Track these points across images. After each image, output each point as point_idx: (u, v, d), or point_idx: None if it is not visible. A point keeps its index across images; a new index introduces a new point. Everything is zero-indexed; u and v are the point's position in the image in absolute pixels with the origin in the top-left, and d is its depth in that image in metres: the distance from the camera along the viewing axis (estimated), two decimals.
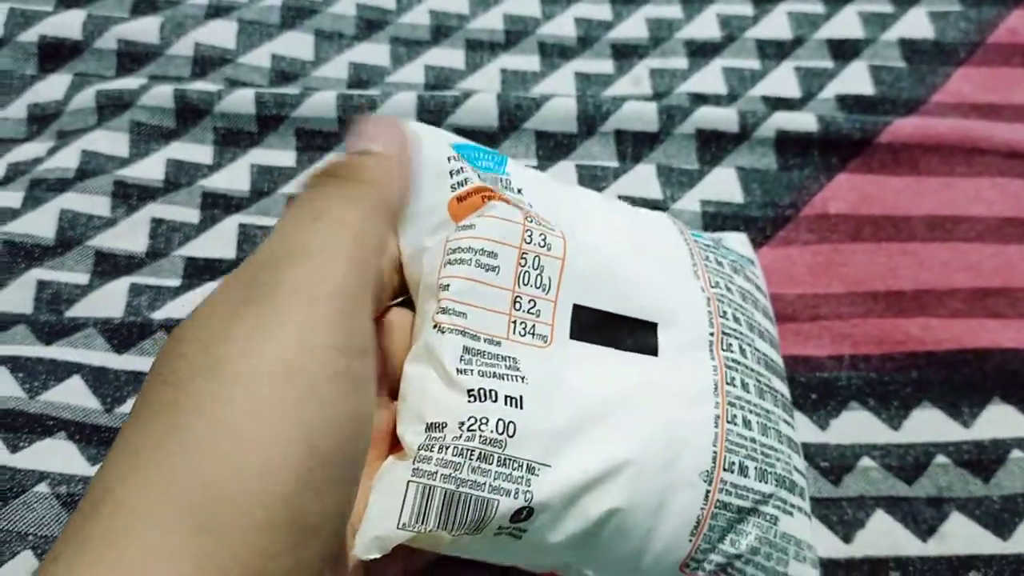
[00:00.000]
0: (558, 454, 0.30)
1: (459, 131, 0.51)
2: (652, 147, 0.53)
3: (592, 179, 0.52)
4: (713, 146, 0.53)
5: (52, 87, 0.55)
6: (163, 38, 0.56)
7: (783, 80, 0.57)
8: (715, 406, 0.34)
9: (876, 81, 0.57)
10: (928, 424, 0.45)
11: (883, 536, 0.42)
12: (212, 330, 0.25)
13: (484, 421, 0.29)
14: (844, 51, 0.58)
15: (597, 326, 0.33)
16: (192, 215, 0.50)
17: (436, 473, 0.29)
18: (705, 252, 0.39)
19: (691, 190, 0.52)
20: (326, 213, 0.29)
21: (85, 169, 0.50)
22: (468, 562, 0.31)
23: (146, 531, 0.22)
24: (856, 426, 0.45)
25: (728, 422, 0.34)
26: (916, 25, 0.60)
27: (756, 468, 0.34)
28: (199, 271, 0.48)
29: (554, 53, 0.58)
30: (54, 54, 0.56)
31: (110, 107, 0.53)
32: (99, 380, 0.43)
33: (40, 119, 0.54)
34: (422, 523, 0.28)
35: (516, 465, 0.29)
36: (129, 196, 0.50)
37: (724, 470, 0.33)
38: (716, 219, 0.51)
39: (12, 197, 0.49)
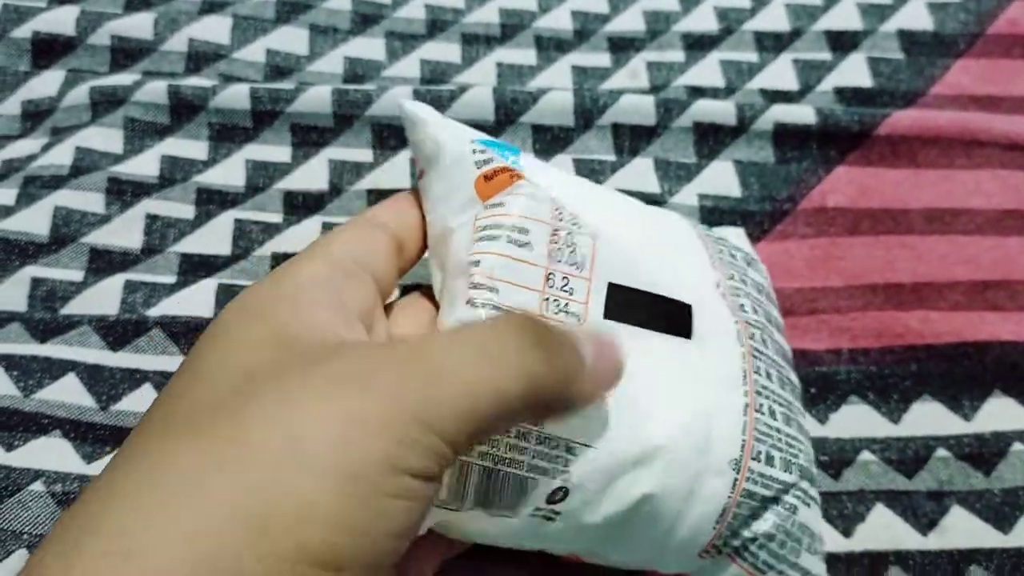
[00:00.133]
0: (595, 434, 0.30)
1: None
2: (649, 140, 0.53)
3: (589, 173, 0.51)
4: (711, 139, 0.53)
5: (46, 83, 0.55)
6: (157, 34, 0.56)
7: (781, 73, 0.57)
8: (744, 394, 0.34)
9: (875, 73, 0.57)
10: (928, 417, 0.45)
11: (883, 530, 0.42)
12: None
13: None
14: (842, 43, 0.58)
15: (632, 305, 0.33)
16: (187, 211, 0.50)
17: (474, 450, 0.28)
18: (718, 245, 0.39)
19: (689, 184, 0.51)
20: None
21: (79, 166, 0.50)
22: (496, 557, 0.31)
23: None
24: (856, 420, 0.45)
25: (756, 411, 0.34)
26: (915, 16, 0.59)
27: (781, 458, 0.34)
28: (194, 267, 0.48)
29: (550, 46, 0.58)
30: (47, 50, 0.56)
31: (104, 103, 0.52)
32: (94, 378, 0.43)
33: (34, 116, 0.54)
34: (460, 500, 0.28)
35: (554, 444, 0.29)
36: (123, 192, 0.50)
37: (752, 459, 0.33)
38: (714, 213, 0.51)
39: (6, 194, 0.49)
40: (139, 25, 0.56)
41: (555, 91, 0.53)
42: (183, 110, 0.52)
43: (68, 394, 0.42)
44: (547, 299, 0.31)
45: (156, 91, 0.52)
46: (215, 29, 0.56)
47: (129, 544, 0.21)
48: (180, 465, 0.22)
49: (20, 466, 0.40)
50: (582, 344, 0.28)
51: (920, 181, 0.52)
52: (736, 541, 0.33)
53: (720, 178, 0.52)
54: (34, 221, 0.48)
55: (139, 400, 0.43)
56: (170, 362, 0.44)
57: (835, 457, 0.44)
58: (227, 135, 0.52)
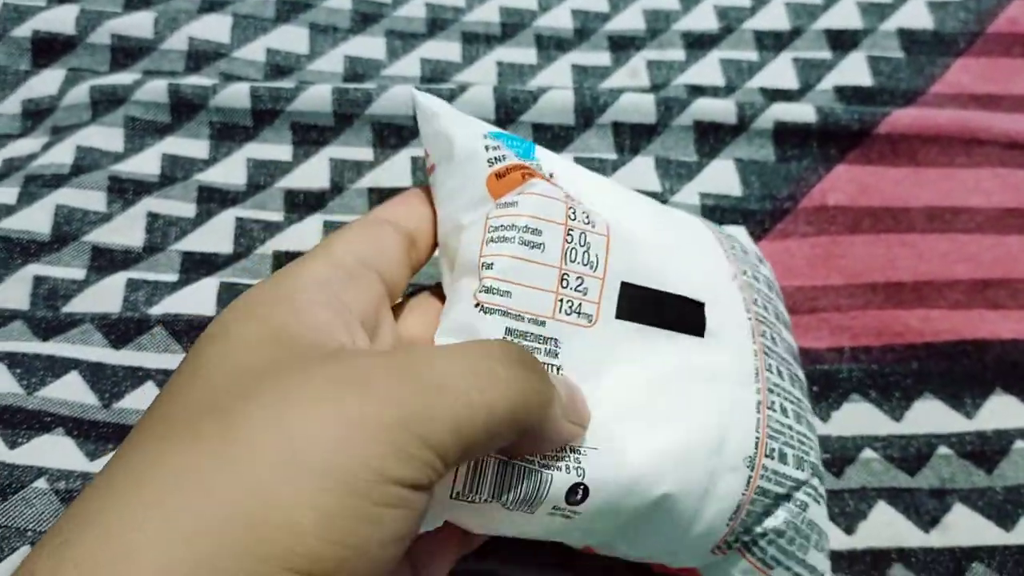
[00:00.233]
0: (604, 438, 0.30)
1: None
2: (650, 139, 0.53)
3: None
4: (711, 138, 0.53)
5: (46, 82, 0.55)
6: (157, 33, 0.56)
7: (781, 71, 0.57)
8: (757, 391, 0.34)
9: (875, 72, 0.57)
10: (930, 415, 0.45)
11: (885, 527, 0.42)
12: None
13: None
14: (842, 42, 0.58)
15: (645, 304, 0.32)
16: (188, 209, 0.50)
17: None
18: (731, 241, 0.39)
19: (689, 183, 0.52)
20: None
21: (80, 164, 0.50)
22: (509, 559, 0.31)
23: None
24: (857, 418, 0.45)
25: (768, 408, 0.34)
26: (915, 15, 0.59)
27: (794, 455, 0.34)
28: (196, 265, 0.48)
29: (551, 45, 0.58)
30: (47, 49, 0.56)
31: (104, 102, 0.52)
32: (96, 376, 0.43)
33: (34, 115, 0.54)
34: (476, 492, 0.28)
35: (558, 448, 0.29)
36: (125, 191, 0.50)
37: (766, 456, 0.33)
38: (715, 212, 0.51)
39: (7, 193, 0.49)
40: (139, 24, 0.56)
41: (555, 90, 0.53)
42: (183, 109, 0.52)
43: (71, 392, 0.42)
44: (561, 300, 0.31)
45: (156, 90, 0.52)
46: (215, 28, 0.56)
47: (120, 545, 0.20)
48: (176, 465, 0.22)
49: (23, 463, 0.40)
50: (556, 380, 0.29)
51: (920, 180, 0.52)
52: (747, 536, 0.33)
53: (721, 177, 0.52)
54: (36, 220, 0.48)
55: (141, 398, 0.43)
56: (172, 360, 0.44)
57: (837, 455, 0.44)
58: (228, 134, 0.52)
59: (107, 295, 0.46)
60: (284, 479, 0.22)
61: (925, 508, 0.42)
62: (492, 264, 0.30)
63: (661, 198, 0.51)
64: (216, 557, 0.20)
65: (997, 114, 0.54)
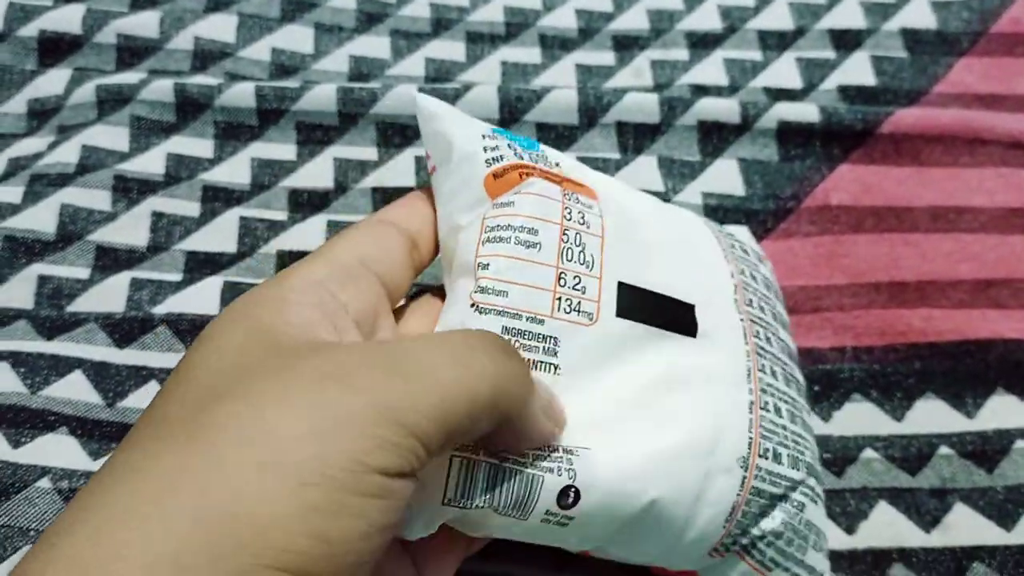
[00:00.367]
0: (597, 439, 0.30)
1: None
2: (653, 139, 0.53)
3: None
4: (714, 137, 0.53)
5: (52, 82, 0.55)
6: (163, 32, 0.56)
7: (784, 71, 0.57)
8: (749, 392, 0.34)
9: (878, 71, 0.57)
10: (931, 415, 0.45)
11: (886, 527, 0.42)
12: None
13: None
14: (846, 41, 0.58)
15: (641, 305, 0.33)
16: (193, 208, 0.50)
17: (479, 449, 0.28)
18: (730, 240, 0.39)
19: (692, 182, 0.52)
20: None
21: (85, 164, 0.50)
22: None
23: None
24: (859, 417, 0.45)
25: (761, 408, 0.34)
26: (918, 15, 0.59)
27: (788, 455, 0.34)
28: (200, 265, 0.48)
29: (555, 45, 0.58)
30: (54, 49, 0.56)
31: (110, 102, 0.53)
32: (100, 375, 0.43)
33: (40, 114, 0.54)
34: (468, 498, 0.28)
35: (551, 449, 0.29)
36: (129, 190, 0.50)
37: (759, 456, 0.33)
38: (718, 211, 0.51)
39: (12, 192, 0.49)
40: (145, 24, 0.56)
41: (559, 89, 0.53)
42: (189, 108, 0.53)
43: (75, 391, 0.42)
44: (559, 298, 0.31)
45: (162, 89, 0.52)
46: (221, 28, 0.57)
47: (109, 544, 0.21)
48: (165, 466, 0.22)
49: (27, 463, 0.40)
50: (535, 377, 0.29)
51: (924, 179, 0.52)
52: (745, 539, 0.33)
53: (724, 176, 0.52)
54: (41, 219, 0.48)
55: (145, 397, 0.43)
56: (175, 359, 0.44)
57: (839, 455, 0.44)
58: (233, 133, 0.52)
59: (111, 294, 0.46)
60: (265, 476, 0.22)
61: (926, 508, 0.42)
62: (488, 264, 0.30)
63: (664, 197, 0.51)
64: (201, 555, 0.20)
65: (1000, 114, 0.54)
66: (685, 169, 0.52)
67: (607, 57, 0.58)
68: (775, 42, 0.58)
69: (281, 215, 0.50)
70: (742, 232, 0.45)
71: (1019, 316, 0.48)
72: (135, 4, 0.58)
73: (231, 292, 0.46)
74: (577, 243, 0.32)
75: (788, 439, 0.34)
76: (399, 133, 0.52)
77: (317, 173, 0.51)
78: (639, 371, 0.32)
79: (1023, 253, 0.50)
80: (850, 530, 0.42)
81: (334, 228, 0.49)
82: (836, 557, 0.41)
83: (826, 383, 0.46)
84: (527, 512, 0.28)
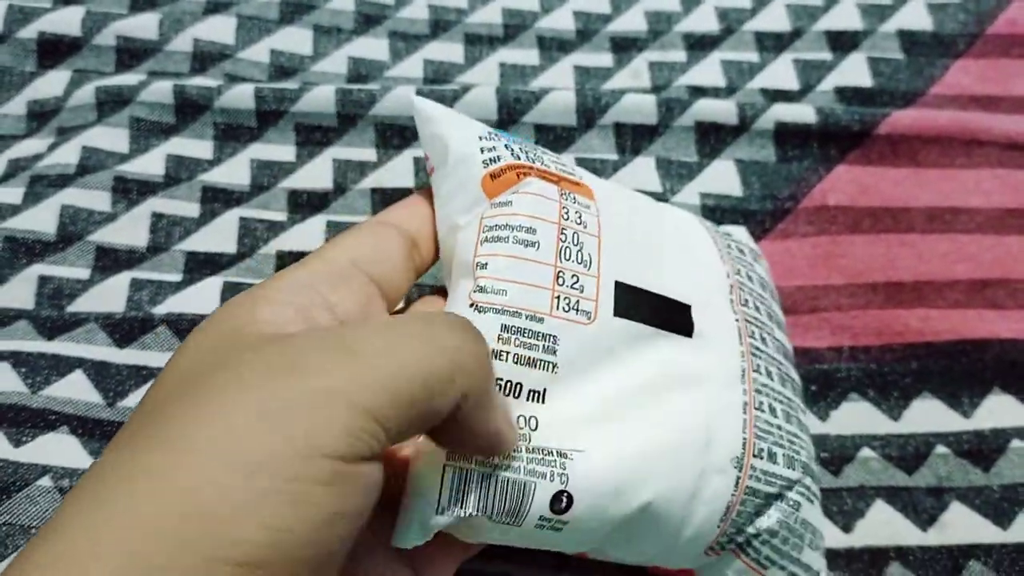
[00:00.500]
0: (591, 439, 0.30)
1: None
2: (651, 140, 0.53)
3: (592, 172, 0.51)
4: (712, 138, 0.53)
5: (51, 84, 0.55)
6: (162, 34, 0.56)
7: (782, 72, 0.57)
8: (743, 392, 0.34)
9: (875, 73, 0.57)
10: (928, 414, 0.45)
11: (883, 526, 0.42)
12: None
13: None
14: (843, 43, 0.58)
15: (636, 304, 0.33)
16: (192, 209, 0.50)
17: (471, 457, 0.28)
18: (726, 240, 0.40)
19: (690, 183, 0.52)
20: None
21: (85, 165, 0.50)
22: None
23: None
24: (856, 417, 0.45)
25: (756, 408, 0.34)
26: (915, 16, 0.60)
27: (784, 454, 0.34)
28: (199, 265, 0.48)
29: (553, 46, 0.58)
30: (53, 51, 0.56)
31: (110, 103, 0.53)
32: (101, 375, 0.43)
33: (40, 115, 0.54)
34: (461, 507, 0.28)
35: (546, 451, 0.29)
36: (129, 191, 0.50)
37: (754, 456, 0.33)
38: (715, 212, 0.51)
39: (13, 193, 0.49)
40: (144, 25, 0.56)
41: (557, 91, 0.53)
42: (188, 110, 0.53)
43: (75, 390, 0.43)
44: (558, 297, 0.31)
45: (161, 91, 0.53)
46: (220, 29, 0.57)
47: (84, 545, 0.21)
48: (133, 468, 0.22)
49: (28, 461, 0.40)
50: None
51: (920, 180, 0.52)
52: (740, 537, 0.33)
53: (722, 177, 0.52)
54: (41, 220, 0.48)
55: None
56: None
57: (836, 454, 0.44)
58: (232, 134, 0.53)
59: (111, 294, 0.47)
60: (218, 469, 0.21)
61: (923, 507, 0.43)
62: (487, 264, 0.30)
63: (662, 198, 0.51)
64: (159, 555, 0.20)
65: (997, 115, 0.54)
66: (683, 170, 0.52)
67: (605, 59, 0.58)
68: (772, 43, 0.58)
69: (280, 216, 0.50)
70: (739, 231, 0.45)
71: (1015, 316, 0.48)
72: (134, 6, 0.58)
73: (231, 292, 0.47)
74: (575, 242, 0.32)
75: (783, 439, 0.34)
76: (398, 134, 0.52)
77: (316, 174, 0.52)
78: (635, 371, 0.32)
79: (1019, 253, 0.50)
80: (847, 528, 0.42)
81: (333, 229, 0.50)
82: (833, 555, 0.41)
83: (823, 383, 0.46)
84: (521, 518, 0.28)
